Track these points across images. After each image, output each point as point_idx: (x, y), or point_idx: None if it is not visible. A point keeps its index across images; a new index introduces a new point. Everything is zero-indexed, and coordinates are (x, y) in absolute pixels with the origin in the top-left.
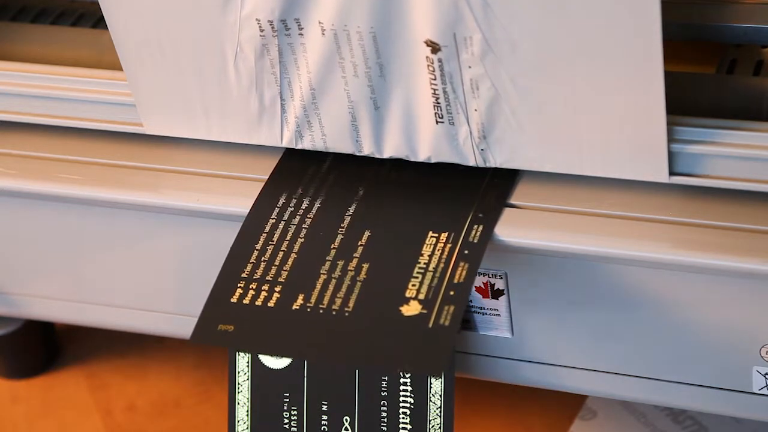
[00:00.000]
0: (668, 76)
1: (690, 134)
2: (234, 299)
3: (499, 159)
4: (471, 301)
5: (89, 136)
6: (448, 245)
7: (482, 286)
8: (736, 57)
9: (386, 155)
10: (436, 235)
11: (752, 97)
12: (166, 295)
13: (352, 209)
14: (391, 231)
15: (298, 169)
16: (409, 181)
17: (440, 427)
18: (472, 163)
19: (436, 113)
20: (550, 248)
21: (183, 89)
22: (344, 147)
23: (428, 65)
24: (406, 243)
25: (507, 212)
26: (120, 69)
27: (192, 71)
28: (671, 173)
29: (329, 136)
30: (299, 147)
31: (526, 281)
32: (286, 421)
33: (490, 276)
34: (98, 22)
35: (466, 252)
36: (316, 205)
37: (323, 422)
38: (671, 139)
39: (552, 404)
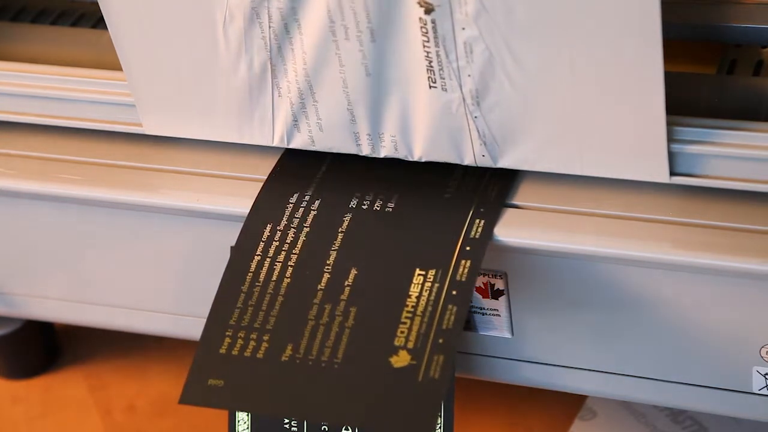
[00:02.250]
0: (668, 76)
1: (690, 134)
2: (223, 350)
3: (494, 129)
4: (471, 301)
5: (89, 136)
6: (436, 284)
7: (482, 286)
8: (736, 57)
9: (383, 127)
10: (423, 272)
11: (752, 97)
12: (166, 295)
13: (337, 242)
14: (378, 268)
15: (282, 190)
16: (396, 206)
17: (440, 427)
18: (468, 158)
19: (429, 77)
20: (550, 248)
21: (176, 70)
22: (337, 120)
23: (421, 27)
24: (394, 282)
25: (507, 212)
26: (120, 69)
27: (182, 44)
28: (671, 173)
29: (321, 102)
30: (293, 139)
31: (526, 281)
32: (287, 420)
33: (490, 276)
34: (98, 22)
35: (454, 293)
36: (302, 237)
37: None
38: (671, 139)
39: (552, 404)
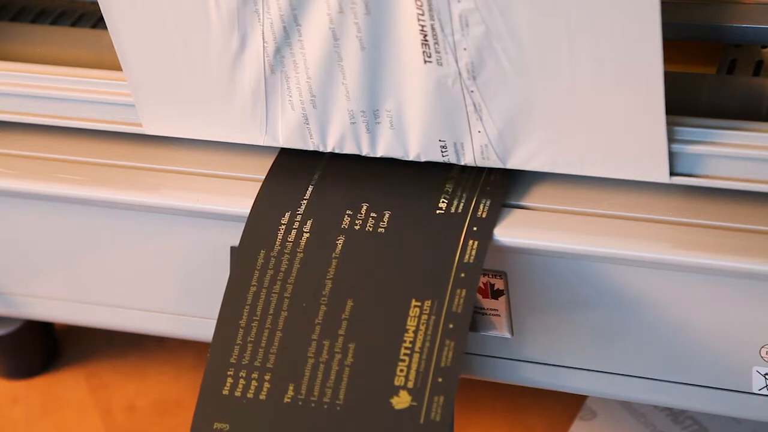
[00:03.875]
0: (668, 76)
1: (690, 134)
2: (226, 391)
3: (490, 105)
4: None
5: (89, 136)
6: (433, 317)
7: (482, 286)
8: (736, 57)
9: (378, 103)
10: (419, 303)
11: (752, 97)
12: (166, 295)
13: (332, 270)
14: (374, 299)
15: (274, 207)
16: (388, 226)
17: None
18: (464, 139)
19: (424, 52)
20: (550, 248)
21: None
22: (332, 95)
23: (415, 0)
24: (391, 315)
25: (507, 212)
26: (120, 69)
27: (178, 34)
28: (671, 173)
29: (314, 78)
30: (287, 120)
31: (526, 281)
32: None
33: (490, 276)
34: (98, 22)
35: (450, 326)
36: (296, 265)
37: None
38: (671, 139)
39: (552, 404)
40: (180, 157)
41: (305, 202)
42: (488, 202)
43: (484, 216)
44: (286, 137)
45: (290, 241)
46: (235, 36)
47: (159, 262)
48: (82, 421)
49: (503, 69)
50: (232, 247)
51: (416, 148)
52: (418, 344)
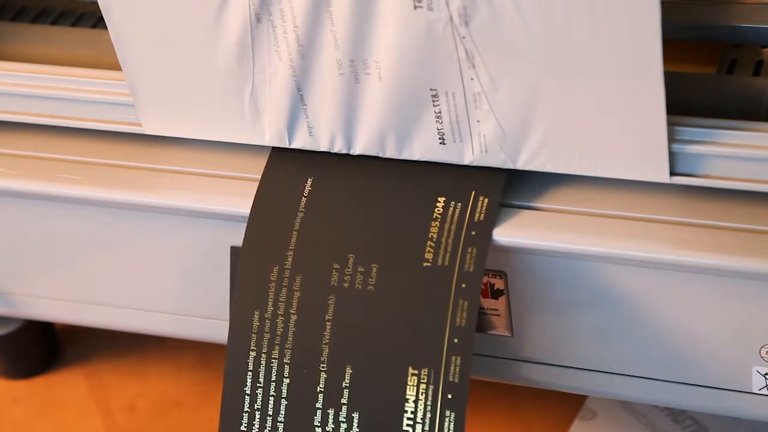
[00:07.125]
0: (668, 76)
1: (690, 134)
2: None
3: (482, 51)
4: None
5: (89, 136)
6: (431, 387)
7: (482, 286)
8: (736, 57)
9: (366, 51)
10: (416, 372)
11: (752, 97)
12: (166, 295)
13: (327, 334)
14: (372, 366)
15: (263, 259)
16: (376, 283)
17: None
18: (457, 89)
19: None
20: (550, 248)
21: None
22: (320, 42)
23: None
24: (390, 384)
25: (507, 212)
26: (120, 69)
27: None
28: (672, 173)
29: (301, 28)
30: (275, 71)
31: (526, 281)
32: None
33: (490, 276)
34: (98, 22)
35: (449, 396)
36: (291, 328)
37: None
38: (672, 139)
39: (552, 404)
40: (180, 157)
41: (291, 253)
42: (474, 251)
43: (471, 269)
44: (273, 98)
45: (282, 301)
46: None
47: (159, 262)
48: (82, 421)
49: (496, 13)
50: (232, 247)
51: (407, 104)
52: (420, 415)
